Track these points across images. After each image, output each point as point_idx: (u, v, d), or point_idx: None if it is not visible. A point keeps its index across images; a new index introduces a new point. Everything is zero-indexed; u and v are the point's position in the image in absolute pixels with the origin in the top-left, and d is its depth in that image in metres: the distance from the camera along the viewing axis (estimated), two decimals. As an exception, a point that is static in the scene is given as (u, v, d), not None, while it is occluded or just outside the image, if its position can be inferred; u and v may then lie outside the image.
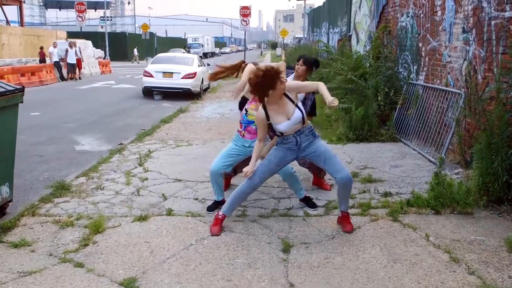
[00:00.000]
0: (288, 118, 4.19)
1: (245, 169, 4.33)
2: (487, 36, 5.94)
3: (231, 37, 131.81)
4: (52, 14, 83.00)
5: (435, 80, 7.77)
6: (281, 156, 4.38)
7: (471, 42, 6.41)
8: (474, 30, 6.31)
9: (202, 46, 64.47)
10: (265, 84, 4.03)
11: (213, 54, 70.12)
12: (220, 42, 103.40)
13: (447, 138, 6.72)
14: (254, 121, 4.70)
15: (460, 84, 6.76)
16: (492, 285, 3.51)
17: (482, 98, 5.52)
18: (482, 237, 4.36)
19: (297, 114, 4.20)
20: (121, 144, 8.49)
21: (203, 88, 17.84)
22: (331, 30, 21.95)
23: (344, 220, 4.60)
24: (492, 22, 5.80)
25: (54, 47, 23.86)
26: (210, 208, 5.03)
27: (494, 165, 4.90)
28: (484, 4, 6.01)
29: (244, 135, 4.92)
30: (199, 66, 17.66)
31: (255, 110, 4.57)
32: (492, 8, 5.80)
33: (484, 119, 5.18)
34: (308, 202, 5.17)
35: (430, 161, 6.92)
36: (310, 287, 3.54)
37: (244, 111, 4.91)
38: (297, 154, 4.40)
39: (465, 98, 6.32)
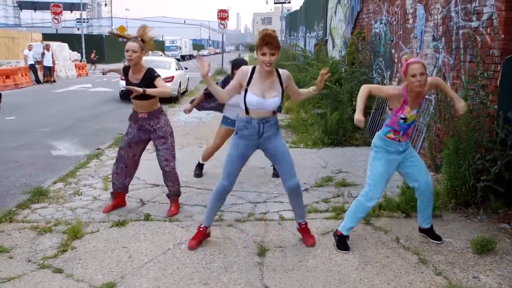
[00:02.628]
0: (264, 97, 4.03)
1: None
2: (455, 45, 6.17)
3: (209, 40, 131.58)
4: (27, 15, 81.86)
5: (407, 86, 7.97)
6: (242, 151, 4.21)
7: (440, 50, 6.64)
8: (443, 39, 6.54)
9: (180, 48, 64.30)
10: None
11: (191, 57, 69.94)
12: (198, 45, 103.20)
13: (418, 142, 6.93)
14: (413, 123, 4.32)
15: (431, 91, 6.97)
16: (457, 285, 3.68)
17: (450, 105, 5.71)
18: (450, 239, 4.55)
19: (274, 100, 4.05)
20: (98, 149, 8.50)
21: (181, 92, 17.88)
22: (307, 34, 22.20)
23: (304, 233, 4.51)
24: (460, 32, 6.03)
25: (30, 49, 23.60)
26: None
27: (461, 170, 5.10)
28: (453, 14, 6.23)
29: (400, 140, 4.32)
30: (176, 69, 17.69)
31: (412, 112, 4.21)
32: (460, 18, 6.03)
33: (453, 125, 5.38)
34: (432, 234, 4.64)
35: (403, 165, 7.11)
36: (285, 289, 3.66)
37: (401, 120, 4.27)
38: (257, 145, 4.22)
39: (435, 104, 6.53)
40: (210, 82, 4.12)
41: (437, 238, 4.53)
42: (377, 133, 4.47)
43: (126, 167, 5.33)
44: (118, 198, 5.39)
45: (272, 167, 6.54)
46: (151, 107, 5.12)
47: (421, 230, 4.64)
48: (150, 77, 4.98)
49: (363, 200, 4.33)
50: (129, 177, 5.41)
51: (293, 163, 4.30)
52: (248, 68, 4.11)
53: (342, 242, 4.37)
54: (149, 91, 4.86)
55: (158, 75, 5.06)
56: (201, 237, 4.44)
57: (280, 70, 4.20)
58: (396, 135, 4.30)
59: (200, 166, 6.77)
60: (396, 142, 4.31)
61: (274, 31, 4.06)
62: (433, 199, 4.56)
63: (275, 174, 6.46)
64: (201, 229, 4.45)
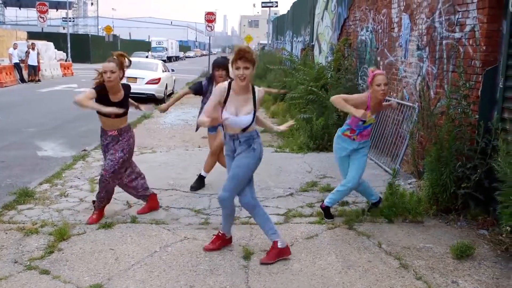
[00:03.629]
0: (237, 114, 4.09)
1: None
2: (439, 55, 6.32)
3: (196, 41, 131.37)
4: (12, 13, 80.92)
5: (391, 93, 8.13)
6: (229, 162, 4.33)
7: (424, 59, 6.79)
8: (427, 48, 6.69)
9: (166, 50, 64.07)
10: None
11: (177, 58, 69.76)
12: (184, 46, 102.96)
13: (401, 149, 7.07)
14: (370, 125, 5.14)
15: (414, 98, 7.13)
16: (436, 290, 3.80)
17: (433, 113, 5.86)
18: (430, 245, 4.67)
19: (246, 118, 4.10)
20: (84, 150, 8.50)
21: (167, 94, 17.89)
22: (294, 38, 22.33)
23: (226, 242, 4.54)
24: (444, 42, 6.18)
25: (15, 48, 23.42)
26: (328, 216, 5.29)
27: (443, 177, 5.23)
28: (437, 24, 6.38)
29: (355, 139, 5.12)
30: (163, 71, 17.72)
31: (371, 116, 5.01)
32: (444, 29, 6.17)
33: (435, 133, 5.52)
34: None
35: (386, 171, 7.25)
36: (269, 292, 3.74)
37: (360, 122, 4.99)
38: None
39: (418, 112, 6.67)
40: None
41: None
42: (338, 129, 5.26)
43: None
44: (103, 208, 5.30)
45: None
46: (121, 124, 5.12)
47: (374, 204, 5.49)
48: (128, 94, 5.12)
49: (344, 186, 5.20)
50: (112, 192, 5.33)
51: (234, 178, 4.19)
52: (225, 85, 4.16)
53: (329, 212, 5.24)
54: (144, 107, 5.43)
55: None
56: (219, 242, 4.49)
57: (257, 89, 4.22)
58: (352, 134, 5.07)
59: (201, 179, 6.45)
60: (350, 140, 5.10)
61: (249, 47, 4.15)
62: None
63: (192, 187, 6.34)
64: (220, 234, 4.53)
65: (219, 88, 4.16)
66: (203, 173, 6.40)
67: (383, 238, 4.80)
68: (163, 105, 6.25)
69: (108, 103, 4.91)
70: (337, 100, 4.97)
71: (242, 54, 3.97)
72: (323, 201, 5.39)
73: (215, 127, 5.98)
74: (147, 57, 35.36)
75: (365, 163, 5.26)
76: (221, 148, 6.04)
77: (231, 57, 4.18)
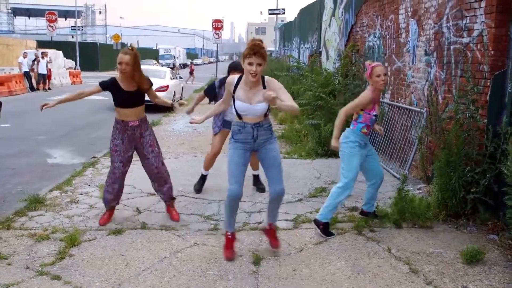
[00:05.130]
0: (250, 103, 4.13)
1: (194, 118, 4.75)
2: (446, 60, 6.32)
3: (203, 49, 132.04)
4: (21, 22, 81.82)
5: (399, 98, 8.14)
6: (242, 153, 4.27)
7: (432, 64, 6.79)
8: (435, 53, 6.70)
9: (174, 57, 64.44)
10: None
11: (184, 66, 70.07)
12: (192, 54, 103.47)
13: (410, 154, 7.06)
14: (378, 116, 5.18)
15: (422, 104, 7.13)
16: (447, 295, 3.79)
17: (441, 118, 5.86)
18: (440, 250, 4.66)
19: (260, 106, 4.12)
20: (94, 157, 8.57)
21: (175, 101, 17.96)
22: (302, 45, 22.41)
23: (270, 235, 4.64)
24: (452, 47, 6.18)
25: (24, 57, 23.64)
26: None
27: (452, 182, 5.22)
28: (444, 30, 6.39)
29: (367, 134, 5.15)
30: (171, 79, 17.81)
31: (379, 108, 5.15)
32: (451, 34, 6.18)
33: (444, 138, 5.51)
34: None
35: (395, 176, 7.24)
36: (279, 297, 3.75)
37: (374, 116, 5.10)
38: (253, 147, 4.30)
39: (427, 117, 6.67)
40: (208, 116, 4.74)
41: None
42: (349, 129, 5.14)
43: (119, 188, 5.30)
44: (112, 209, 5.43)
45: (253, 181, 6.63)
46: (141, 113, 5.21)
47: (364, 213, 5.48)
48: (145, 88, 5.12)
49: (341, 190, 5.01)
50: (121, 192, 5.41)
51: (281, 169, 4.34)
52: (234, 78, 4.24)
53: (328, 229, 5.02)
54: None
55: (152, 83, 5.23)
56: (232, 244, 4.51)
57: (266, 79, 4.19)
58: (368, 130, 5.09)
59: (203, 178, 6.64)
60: (366, 136, 5.12)
61: (261, 40, 4.10)
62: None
63: (261, 189, 6.49)
64: (229, 236, 4.51)
65: (228, 80, 4.27)
66: (204, 172, 6.60)
67: (392, 243, 4.80)
68: (189, 107, 6.36)
69: (122, 92, 5.07)
70: (339, 117, 5.08)
71: (257, 50, 3.93)
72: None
73: (222, 126, 6.28)
74: (155, 64, 35.44)
75: None
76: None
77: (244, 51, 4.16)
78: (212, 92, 6.36)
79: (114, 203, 5.37)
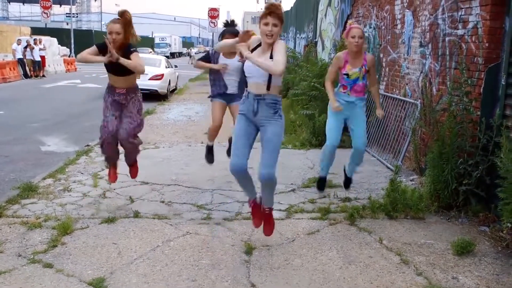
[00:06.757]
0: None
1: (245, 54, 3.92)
2: (441, 51, 6.32)
3: (199, 37, 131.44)
4: (15, 8, 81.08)
5: (394, 90, 8.14)
6: (244, 126, 4.16)
7: (427, 56, 6.79)
8: (430, 45, 6.69)
9: (170, 46, 64.12)
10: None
11: (180, 54, 69.76)
12: (187, 42, 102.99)
13: (404, 146, 7.08)
14: (358, 79, 5.25)
15: (417, 95, 7.13)
16: (437, 285, 3.81)
17: (435, 110, 5.87)
18: (431, 241, 4.69)
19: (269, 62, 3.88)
20: (88, 145, 8.54)
21: (170, 90, 17.93)
22: (298, 35, 22.33)
23: (263, 218, 4.47)
24: (446, 39, 6.18)
25: (18, 44, 23.54)
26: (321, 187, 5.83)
27: (444, 174, 5.25)
28: (440, 21, 6.38)
29: (349, 94, 5.32)
30: (166, 67, 17.75)
31: (353, 70, 5.21)
32: (447, 26, 6.17)
33: (437, 130, 5.53)
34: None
35: (388, 167, 7.26)
36: (271, 287, 3.77)
37: (344, 75, 5.26)
38: (254, 122, 4.16)
39: (421, 108, 6.68)
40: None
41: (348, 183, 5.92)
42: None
43: (112, 147, 5.39)
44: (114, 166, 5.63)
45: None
46: (129, 83, 5.22)
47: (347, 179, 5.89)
48: (127, 51, 5.01)
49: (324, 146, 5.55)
50: (117, 151, 5.53)
51: (274, 154, 4.08)
52: (256, 38, 4.07)
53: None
54: (123, 60, 4.86)
55: (136, 50, 5.12)
56: (259, 211, 4.46)
57: (278, 41, 3.99)
58: (345, 90, 5.31)
59: (209, 150, 6.65)
60: (346, 94, 5.30)
61: (280, 4, 4.02)
62: (361, 159, 5.63)
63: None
64: (252, 203, 4.48)
65: (253, 39, 4.06)
66: (209, 143, 6.64)
67: (384, 234, 4.82)
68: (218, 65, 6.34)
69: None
70: (326, 84, 5.40)
71: (273, 10, 3.84)
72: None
73: (222, 96, 6.30)
74: (150, 52, 35.35)
75: (365, 121, 5.52)
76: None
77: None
78: (207, 59, 6.49)
79: (113, 160, 5.50)
